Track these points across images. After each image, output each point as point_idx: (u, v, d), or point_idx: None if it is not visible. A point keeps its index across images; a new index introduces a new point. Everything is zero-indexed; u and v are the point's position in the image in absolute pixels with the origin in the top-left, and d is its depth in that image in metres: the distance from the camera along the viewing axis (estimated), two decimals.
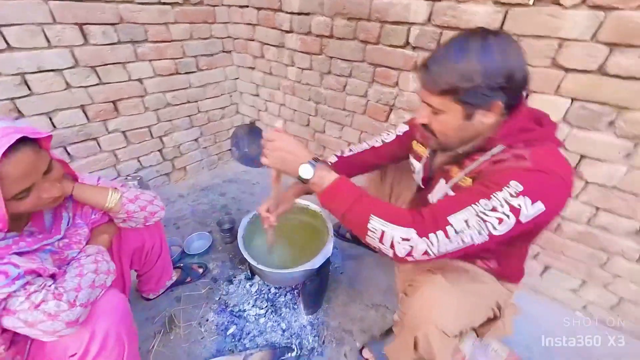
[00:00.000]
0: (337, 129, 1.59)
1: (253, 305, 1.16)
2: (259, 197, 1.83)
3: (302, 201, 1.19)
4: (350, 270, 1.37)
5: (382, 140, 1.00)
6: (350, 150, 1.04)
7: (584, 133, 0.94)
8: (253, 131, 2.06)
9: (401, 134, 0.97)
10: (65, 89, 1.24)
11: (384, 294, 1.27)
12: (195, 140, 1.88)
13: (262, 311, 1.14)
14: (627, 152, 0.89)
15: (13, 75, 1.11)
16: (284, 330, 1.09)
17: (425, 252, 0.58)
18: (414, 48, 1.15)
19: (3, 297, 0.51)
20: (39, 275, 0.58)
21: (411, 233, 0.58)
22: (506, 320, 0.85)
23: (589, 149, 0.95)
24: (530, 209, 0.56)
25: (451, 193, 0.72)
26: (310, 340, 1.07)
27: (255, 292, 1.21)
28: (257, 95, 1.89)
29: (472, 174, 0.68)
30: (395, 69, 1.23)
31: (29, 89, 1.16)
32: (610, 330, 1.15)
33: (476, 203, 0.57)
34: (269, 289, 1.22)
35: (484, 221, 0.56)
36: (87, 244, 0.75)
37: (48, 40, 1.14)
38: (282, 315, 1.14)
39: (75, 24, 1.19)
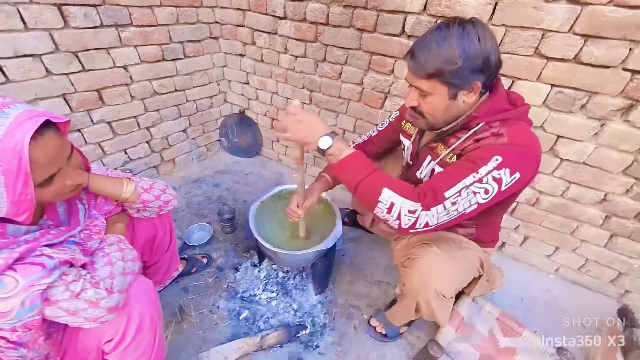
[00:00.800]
0: (332, 117, 1.62)
1: (264, 290, 1.19)
2: (254, 187, 1.83)
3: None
4: (351, 251, 1.44)
5: (377, 129, 1.09)
6: (353, 142, 1.13)
7: (560, 115, 1.06)
8: (242, 121, 2.03)
9: (393, 119, 1.05)
10: (45, 76, 1.15)
11: (384, 271, 1.36)
12: (184, 131, 1.82)
13: (273, 294, 1.17)
14: (595, 132, 1.03)
15: None
16: (295, 311, 1.14)
17: (426, 224, 0.66)
18: (409, 37, 1.20)
19: (43, 288, 0.50)
20: (72, 265, 0.57)
21: (417, 206, 0.65)
22: (491, 279, 0.99)
23: (564, 129, 1.08)
24: (509, 178, 0.66)
25: (438, 168, 0.81)
26: (322, 318, 1.13)
27: (264, 277, 1.24)
28: (247, 83, 1.86)
29: (456, 151, 0.76)
30: (391, 56, 1.28)
31: (5, 76, 1.06)
32: (577, 287, 1.34)
33: (466, 177, 0.66)
34: (277, 274, 1.25)
35: (474, 193, 0.66)
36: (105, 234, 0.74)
37: (24, 23, 1.05)
38: (293, 296, 1.18)
39: (54, 4, 1.09)
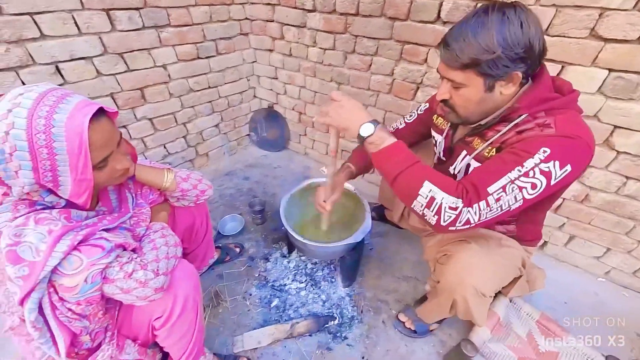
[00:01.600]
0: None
1: (293, 280, 1.22)
2: (282, 180, 1.87)
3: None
4: (378, 246, 1.43)
5: (405, 121, 1.05)
6: None
7: (617, 103, 0.96)
8: (271, 115, 2.07)
9: (422, 112, 1.01)
10: (96, 77, 1.25)
11: (413, 266, 1.33)
12: (216, 126, 1.90)
13: (302, 285, 1.21)
14: None
15: (47, 64, 1.12)
16: (324, 302, 1.16)
17: (467, 222, 0.63)
18: (444, 23, 1.14)
19: (102, 267, 0.55)
20: (125, 249, 0.63)
21: (459, 203, 0.62)
22: (531, 280, 0.93)
23: (622, 119, 0.97)
24: (559, 172, 0.60)
25: (475, 163, 0.76)
26: (350, 310, 1.14)
27: (294, 267, 1.27)
28: (276, 78, 1.88)
29: (495, 144, 0.71)
30: (424, 45, 1.22)
31: (63, 77, 1.17)
32: (630, 291, 1.22)
33: (511, 171, 0.61)
34: (306, 265, 1.28)
35: (520, 188, 0.61)
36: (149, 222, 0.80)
37: (78, 28, 1.14)
38: (321, 288, 1.20)
39: (102, 9, 1.18)
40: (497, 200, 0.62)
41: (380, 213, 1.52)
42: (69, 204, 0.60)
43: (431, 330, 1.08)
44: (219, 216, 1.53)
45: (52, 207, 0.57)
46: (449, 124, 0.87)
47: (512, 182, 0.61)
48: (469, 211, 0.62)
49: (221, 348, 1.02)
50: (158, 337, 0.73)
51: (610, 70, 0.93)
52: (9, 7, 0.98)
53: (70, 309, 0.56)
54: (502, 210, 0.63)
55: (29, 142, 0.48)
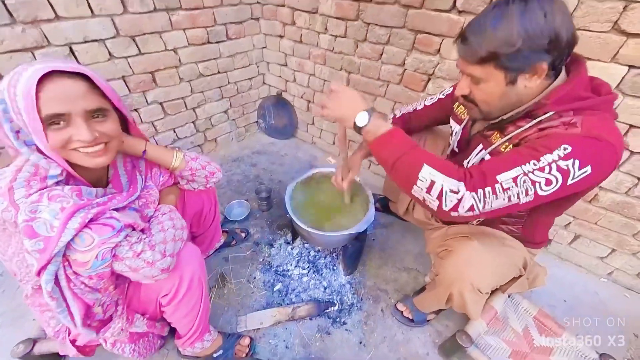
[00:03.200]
0: (370, 100, 1.58)
1: (296, 266, 1.26)
2: (289, 168, 1.89)
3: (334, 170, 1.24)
4: (381, 236, 1.45)
5: (424, 104, 1.03)
6: (400, 111, 1.08)
7: (636, 102, 0.93)
8: (279, 103, 2.07)
9: (443, 97, 0.98)
10: (108, 60, 1.27)
11: (414, 258, 1.35)
12: (225, 112, 1.91)
13: (305, 271, 1.24)
14: None
15: (62, 45, 1.14)
16: (325, 288, 1.20)
17: (471, 208, 0.60)
18: (460, 12, 1.10)
19: (112, 246, 0.58)
20: (134, 229, 0.66)
21: (460, 186, 0.60)
22: (532, 277, 0.92)
23: (639, 118, 0.94)
24: (578, 172, 0.57)
25: (488, 158, 0.74)
26: (350, 297, 1.18)
27: (297, 254, 1.30)
28: (285, 65, 1.87)
29: (514, 140, 0.68)
30: (438, 35, 1.19)
31: (77, 59, 1.19)
32: (633, 293, 1.22)
33: (526, 163, 0.58)
34: (309, 252, 1.31)
35: (532, 181, 0.57)
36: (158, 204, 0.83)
37: (91, 9, 1.15)
38: (323, 275, 1.24)
39: None
40: (505, 190, 0.59)
41: (384, 204, 1.53)
42: (79, 182, 0.63)
43: (428, 320, 1.10)
44: (226, 201, 1.56)
45: (65, 184, 0.60)
46: (467, 116, 0.85)
47: (525, 174, 0.58)
48: (473, 196, 0.59)
49: (225, 326, 1.07)
50: (165, 313, 0.77)
51: (630, 66, 0.89)
52: None
53: (83, 282, 0.59)
54: (510, 201, 0.60)
55: (10, 102, 0.51)
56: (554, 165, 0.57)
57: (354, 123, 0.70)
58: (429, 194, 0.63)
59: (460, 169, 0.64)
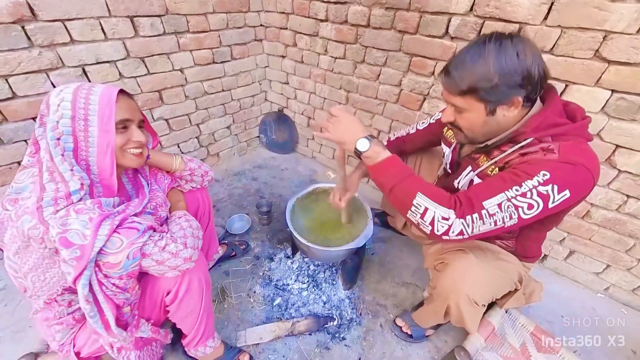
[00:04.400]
0: (368, 117, 1.64)
1: (296, 280, 1.27)
2: (289, 182, 1.92)
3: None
4: (380, 251, 1.47)
5: (417, 128, 1.09)
6: (394, 134, 1.16)
7: (620, 123, 0.98)
8: (281, 119, 2.13)
9: (434, 121, 1.05)
10: (118, 79, 1.33)
11: (413, 273, 1.37)
12: (228, 127, 1.96)
13: (304, 285, 1.25)
14: None
15: (75, 67, 1.20)
16: (324, 303, 1.21)
17: (461, 232, 0.66)
18: (452, 38, 1.18)
19: (140, 245, 0.63)
20: (154, 230, 0.70)
21: (450, 214, 0.65)
22: (528, 292, 0.95)
23: (625, 139, 0.99)
24: (557, 196, 0.62)
25: (477, 180, 0.79)
26: (349, 312, 1.19)
27: (297, 268, 1.32)
28: (287, 83, 1.94)
29: (499, 164, 0.74)
30: (432, 58, 1.26)
31: (88, 79, 1.25)
32: (629, 309, 1.23)
33: (509, 190, 0.63)
34: (309, 266, 1.33)
35: (516, 207, 0.63)
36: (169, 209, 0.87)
37: (104, 33, 1.22)
38: (322, 289, 1.25)
39: (127, 16, 1.25)
40: (491, 215, 0.65)
41: (383, 219, 1.56)
42: (99, 194, 0.67)
43: (427, 336, 1.11)
44: (227, 215, 1.59)
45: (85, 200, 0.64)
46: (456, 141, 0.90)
47: (508, 200, 0.63)
48: (462, 222, 0.65)
49: (225, 341, 1.08)
50: (169, 313, 0.80)
51: (613, 91, 0.95)
52: (44, 14, 1.06)
53: (114, 284, 0.63)
54: (496, 225, 0.66)
55: (72, 110, 0.62)
56: (534, 191, 0.62)
57: (355, 148, 0.76)
58: (423, 219, 0.68)
59: (451, 197, 0.69)
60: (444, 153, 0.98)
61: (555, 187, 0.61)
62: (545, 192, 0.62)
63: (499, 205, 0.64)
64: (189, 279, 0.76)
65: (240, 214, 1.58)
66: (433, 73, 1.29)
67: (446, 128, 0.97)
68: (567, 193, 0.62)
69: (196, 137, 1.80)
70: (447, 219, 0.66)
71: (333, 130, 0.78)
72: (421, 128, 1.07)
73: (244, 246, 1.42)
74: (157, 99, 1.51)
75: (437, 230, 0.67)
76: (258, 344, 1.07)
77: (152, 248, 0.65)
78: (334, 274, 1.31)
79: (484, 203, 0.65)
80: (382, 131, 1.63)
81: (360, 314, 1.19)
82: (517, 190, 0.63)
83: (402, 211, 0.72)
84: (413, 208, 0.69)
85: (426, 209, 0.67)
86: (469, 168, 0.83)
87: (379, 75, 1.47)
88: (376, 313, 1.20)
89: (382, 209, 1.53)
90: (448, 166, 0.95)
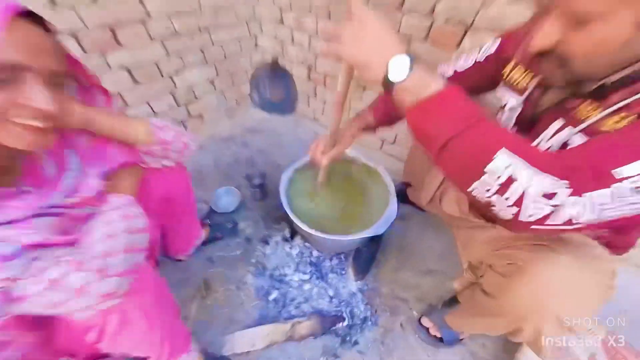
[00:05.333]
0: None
1: (295, 270, 1.03)
2: (288, 149, 1.62)
3: (351, 152, 0.98)
4: (398, 232, 1.20)
5: (475, 60, 0.73)
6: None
7: None
8: (276, 71, 1.75)
9: (482, 59, 0.70)
10: (50, 9, 0.97)
11: (438, 258, 1.12)
12: (211, 81, 1.61)
13: (306, 276, 1.02)
14: None
15: None
16: (331, 298, 0.98)
17: (569, 221, 0.38)
18: None
19: (2, 284, 0.35)
20: (48, 246, 0.42)
21: (561, 187, 0.37)
22: None
23: None
24: None
25: (581, 140, 0.48)
26: (362, 309, 0.96)
27: (297, 255, 1.07)
28: (282, 22, 1.54)
29: (634, 110, 0.42)
30: None
31: None
32: None
33: None
34: (311, 252, 1.08)
35: None
36: (105, 194, 0.58)
37: None
38: (329, 281, 1.01)
39: None
40: (633, 191, 0.36)
41: (402, 191, 1.27)
42: None
43: (461, 339, 0.89)
44: (213, 188, 1.31)
45: None
46: (536, 81, 0.57)
47: None
48: (576, 202, 0.37)
49: (209, 349, 0.86)
50: (102, 350, 0.55)
51: None
52: None
53: None
54: (634, 209, 0.37)
55: None
56: None
57: (385, 74, 0.43)
58: (502, 195, 0.39)
59: (558, 158, 0.40)
60: (504, 106, 0.65)
61: None
62: None
63: None
64: (122, 310, 0.49)
65: (227, 187, 1.30)
66: None
67: (510, 67, 0.64)
68: None
69: (171, 94, 1.46)
70: (551, 196, 0.38)
71: (350, 41, 0.45)
72: (481, 60, 0.70)
73: (232, 225, 1.16)
74: (110, 39, 1.15)
75: (525, 215, 0.39)
76: (249, 352, 0.86)
77: (32, 285, 0.38)
78: (342, 262, 1.06)
79: (615, 171, 0.36)
80: None
81: (376, 311, 0.96)
82: None
83: (463, 181, 0.43)
84: (486, 176, 0.40)
85: (512, 180, 0.38)
86: (560, 122, 0.51)
87: (403, 1, 1.08)
88: (395, 309, 0.98)
89: (403, 180, 1.23)
90: (513, 123, 0.63)
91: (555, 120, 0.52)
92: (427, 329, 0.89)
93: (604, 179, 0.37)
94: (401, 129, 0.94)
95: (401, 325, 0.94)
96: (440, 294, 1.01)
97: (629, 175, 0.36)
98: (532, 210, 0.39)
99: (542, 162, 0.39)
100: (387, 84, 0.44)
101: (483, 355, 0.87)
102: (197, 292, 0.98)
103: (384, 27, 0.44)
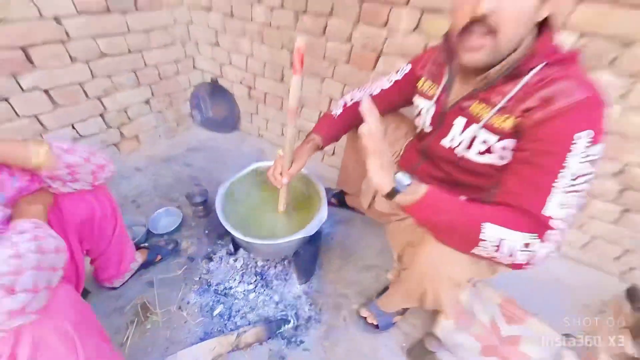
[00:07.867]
0: (317, 83, 1.41)
1: (240, 282, 1.05)
2: (232, 166, 1.64)
3: None
4: (340, 234, 1.31)
5: (393, 80, 0.89)
6: (351, 99, 0.94)
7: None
8: (216, 90, 1.79)
9: (400, 78, 0.86)
10: None
11: (377, 254, 1.24)
12: (146, 102, 1.57)
13: (251, 286, 1.04)
14: (624, 91, 0.87)
15: None
16: (277, 303, 1.01)
17: (547, 256, 0.52)
18: None
19: None
20: None
21: (532, 238, 0.50)
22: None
23: None
24: (598, 156, 0.51)
25: (486, 135, 0.63)
26: (307, 310, 1.01)
27: (241, 267, 1.09)
28: (217, 44, 1.59)
29: (516, 112, 0.57)
30: (386, 2, 1.06)
31: None
32: (581, 266, 1.26)
33: (556, 180, 0.51)
34: (256, 262, 1.11)
35: (577, 192, 0.50)
36: (9, 222, 0.56)
37: None
38: (274, 287, 1.05)
39: None
40: (565, 219, 0.50)
41: (340, 199, 1.38)
42: None
43: (394, 323, 0.99)
44: (152, 211, 1.27)
45: None
46: (442, 86, 0.72)
47: (566, 192, 0.50)
48: (545, 246, 0.51)
49: None
50: None
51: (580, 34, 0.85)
52: None
53: None
54: (570, 223, 0.52)
55: None
56: (584, 163, 0.50)
57: (393, 187, 0.58)
58: (498, 252, 0.53)
59: (521, 212, 0.52)
60: (419, 111, 0.81)
61: (599, 145, 0.51)
62: (595, 157, 0.50)
63: (562, 205, 0.50)
64: (35, 334, 0.47)
65: (167, 208, 1.27)
66: (386, 23, 1.09)
67: (422, 80, 0.79)
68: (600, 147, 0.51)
69: (100, 115, 1.39)
70: (528, 245, 0.51)
71: (375, 170, 0.58)
72: (400, 78, 0.85)
73: (173, 244, 1.13)
74: (22, 60, 1.08)
75: (517, 260, 0.52)
76: None
77: None
78: (287, 268, 1.11)
79: (544, 212, 0.50)
80: (333, 98, 1.42)
81: (320, 310, 1.03)
82: (563, 175, 0.50)
83: (465, 248, 0.57)
84: (482, 244, 0.53)
85: (501, 241, 0.51)
86: (462, 120, 0.67)
87: (325, 28, 1.23)
88: (338, 306, 1.05)
89: (339, 188, 1.35)
90: (428, 123, 0.78)
91: (456, 117, 0.68)
92: (365, 319, 0.98)
93: (545, 222, 0.50)
94: (340, 143, 1.06)
95: (344, 319, 1.02)
96: (377, 287, 1.11)
97: (553, 211, 0.50)
98: (522, 257, 0.51)
99: (515, 221, 0.51)
100: (392, 193, 0.58)
101: (414, 334, 0.99)
102: (134, 317, 0.93)
103: (386, 150, 0.58)
